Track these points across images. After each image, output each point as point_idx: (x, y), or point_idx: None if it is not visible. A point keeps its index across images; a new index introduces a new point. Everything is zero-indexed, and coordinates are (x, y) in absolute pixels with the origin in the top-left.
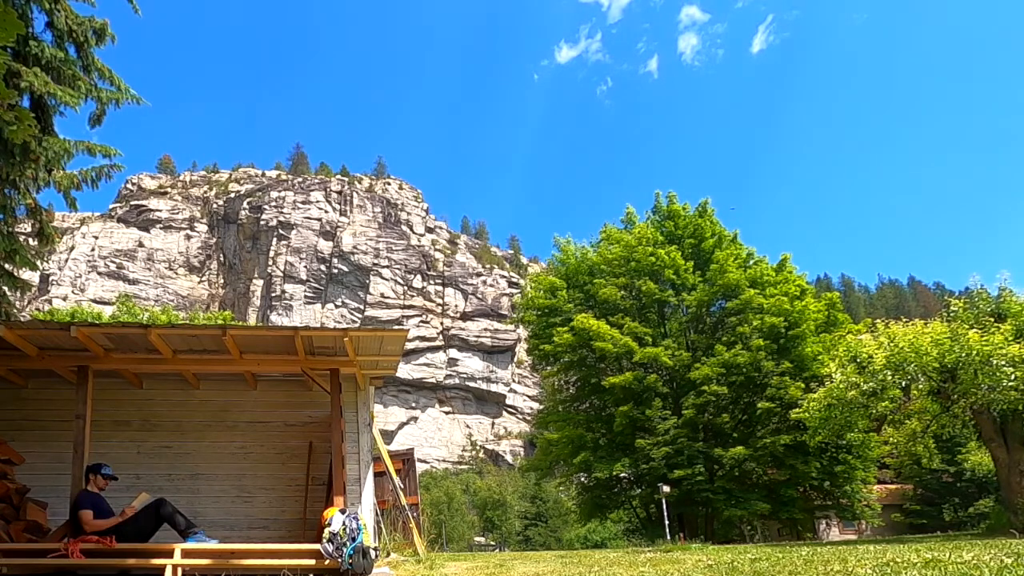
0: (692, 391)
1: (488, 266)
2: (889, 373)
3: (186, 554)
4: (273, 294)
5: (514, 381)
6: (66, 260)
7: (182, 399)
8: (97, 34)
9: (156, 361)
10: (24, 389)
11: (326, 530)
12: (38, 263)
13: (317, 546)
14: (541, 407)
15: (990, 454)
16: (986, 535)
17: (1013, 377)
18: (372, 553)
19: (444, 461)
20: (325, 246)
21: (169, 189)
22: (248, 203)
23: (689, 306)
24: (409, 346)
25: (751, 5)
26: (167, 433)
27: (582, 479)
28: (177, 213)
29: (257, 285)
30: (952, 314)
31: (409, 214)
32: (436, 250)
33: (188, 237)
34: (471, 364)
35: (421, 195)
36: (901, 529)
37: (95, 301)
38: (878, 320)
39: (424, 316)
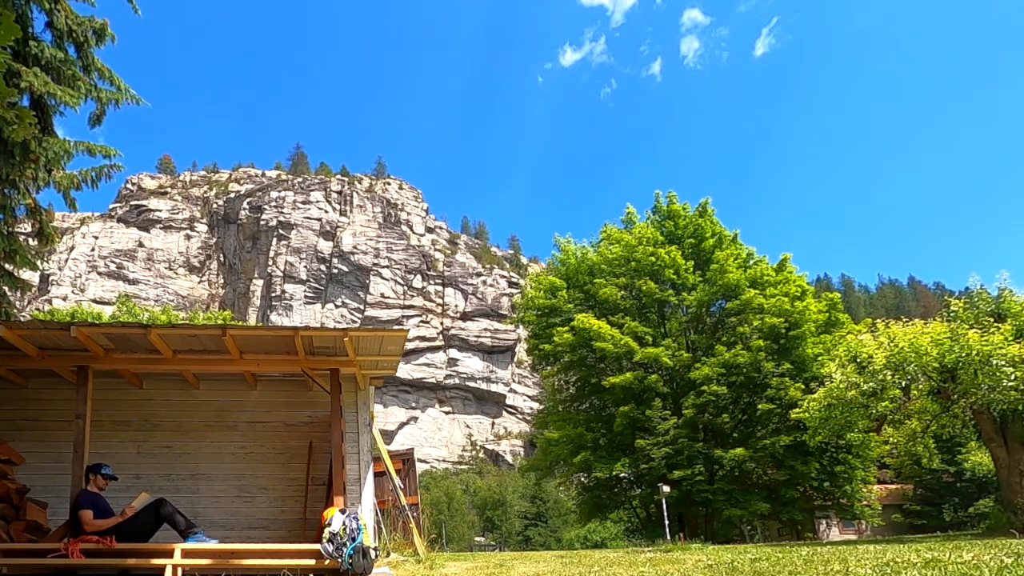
0: (692, 391)
1: (488, 266)
2: (889, 373)
3: (186, 554)
4: (273, 294)
5: (514, 381)
6: (66, 260)
7: (182, 399)
8: (97, 34)
9: (156, 361)
10: (24, 389)
11: (326, 530)
12: (38, 263)
13: (317, 546)
14: (541, 407)
15: (990, 454)
16: (986, 535)
17: (1013, 377)
18: (372, 553)
19: (444, 461)
20: (325, 246)
21: (169, 189)
22: (248, 203)
23: (689, 306)
24: (409, 346)
25: (754, 8)
26: (167, 433)
27: (582, 479)
28: (177, 213)
29: (257, 285)
30: (952, 314)
31: (409, 214)
32: (436, 250)
33: (188, 237)
34: (471, 364)
35: (421, 195)
36: (901, 529)
37: (95, 301)
38: (878, 320)
39: (424, 316)
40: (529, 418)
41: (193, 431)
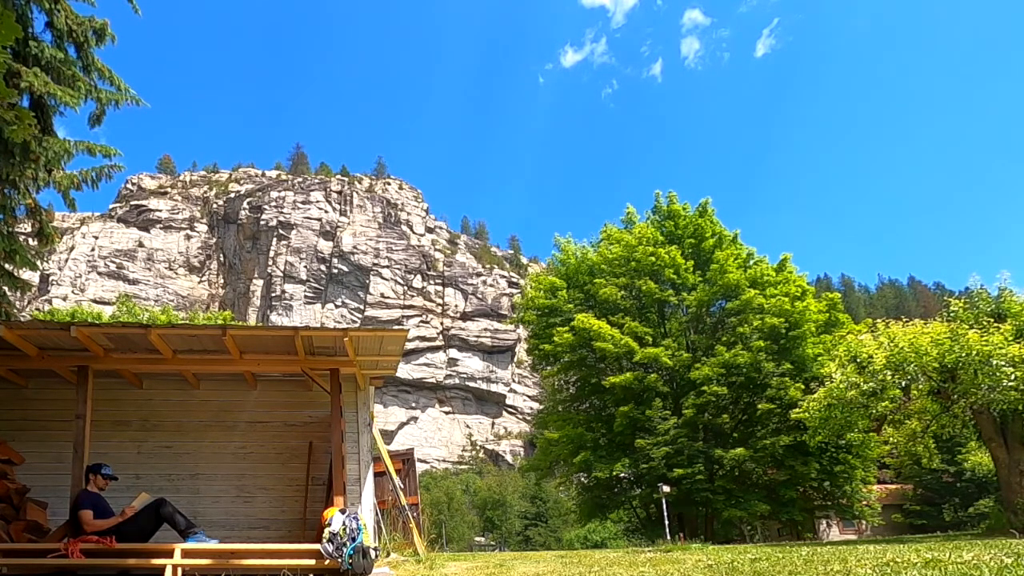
0: (692, 391)
1: (488, 266)
2: (889, 373)
3: (186, 554)
4: (273, 294)
5: (514, 381)
6: (66, 260)
7: (182, 399)
8: (97, 34)
9: (156, 361)
10: (24, 389)
11: (326, 530)
12: (38, 263)
13: (317, 546)
14: (541, 407)
15: (990, 454)
16: (986, 535)
17: (1013, 377)
18: (372, 553)
19: (444, 461)
20: (325, 246)
21: (169, 189)
22: (248, 203)
23: (689, 306)
24: (409, 346)
25: (755, 9)
26: (167, 433)
27: (582, 479)
28: (177, 213)
29: (257, 285)
30: (952, 314)
31: (409, 214)
32: (436, 250)
33: (188, 237)
34: (471, 364)
35: (421, 195)
36: (901, 529)
37: (95, 301)
38: (878, 320)
39: (424, 316)
40: (529, 418)
41: (193, 431)
